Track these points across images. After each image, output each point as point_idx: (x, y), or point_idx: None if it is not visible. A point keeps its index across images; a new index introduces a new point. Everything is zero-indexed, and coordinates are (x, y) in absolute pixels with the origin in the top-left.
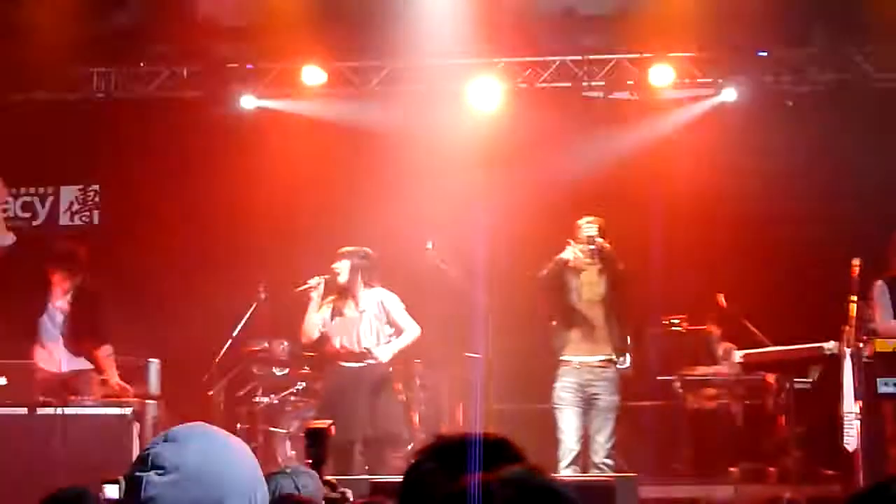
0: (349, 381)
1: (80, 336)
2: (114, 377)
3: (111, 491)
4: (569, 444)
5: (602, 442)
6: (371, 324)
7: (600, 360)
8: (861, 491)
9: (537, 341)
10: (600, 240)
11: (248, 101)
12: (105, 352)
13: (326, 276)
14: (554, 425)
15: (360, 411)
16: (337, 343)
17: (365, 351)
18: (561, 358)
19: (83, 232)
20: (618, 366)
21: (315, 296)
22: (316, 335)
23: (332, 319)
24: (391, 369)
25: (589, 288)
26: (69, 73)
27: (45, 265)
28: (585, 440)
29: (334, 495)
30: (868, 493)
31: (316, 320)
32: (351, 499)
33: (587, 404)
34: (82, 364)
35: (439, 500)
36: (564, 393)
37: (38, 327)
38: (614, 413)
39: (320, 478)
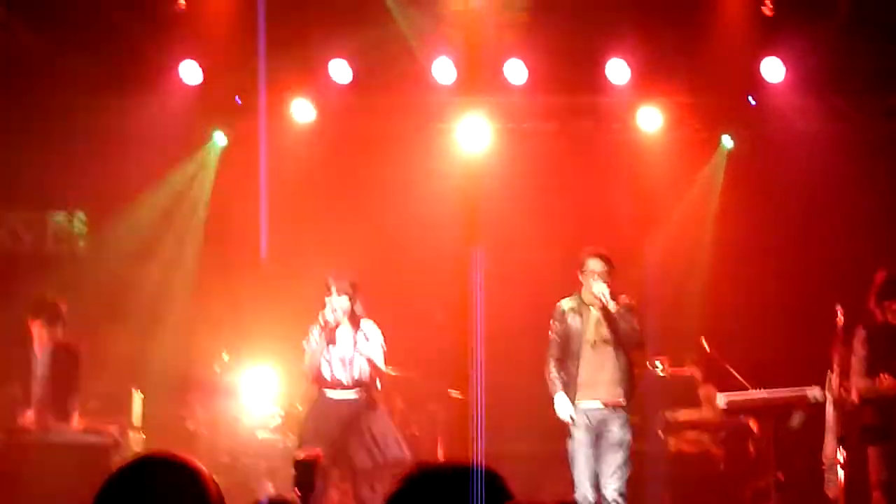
0: (342, 412)
1: (60, 399)
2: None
3: None
4: (584, 491)
5: (614, 478)
6: (361, 354)
7: (615, 401)
8: None
9: (526, 382)
10: (605, 293)
11: (221, 138)
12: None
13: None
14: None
15: (356, 442)
16: (327, 374)
17: (358, 381)
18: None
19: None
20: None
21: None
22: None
23: (326, 350)
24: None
25: (597, 328)
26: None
27: (26, 315)
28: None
29: None
30: None
31: (320, 355)
32: None
33: (599, 439)
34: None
35: None
36: (577, 433)
37: (29, 372)
38: (627, 449)
39: None
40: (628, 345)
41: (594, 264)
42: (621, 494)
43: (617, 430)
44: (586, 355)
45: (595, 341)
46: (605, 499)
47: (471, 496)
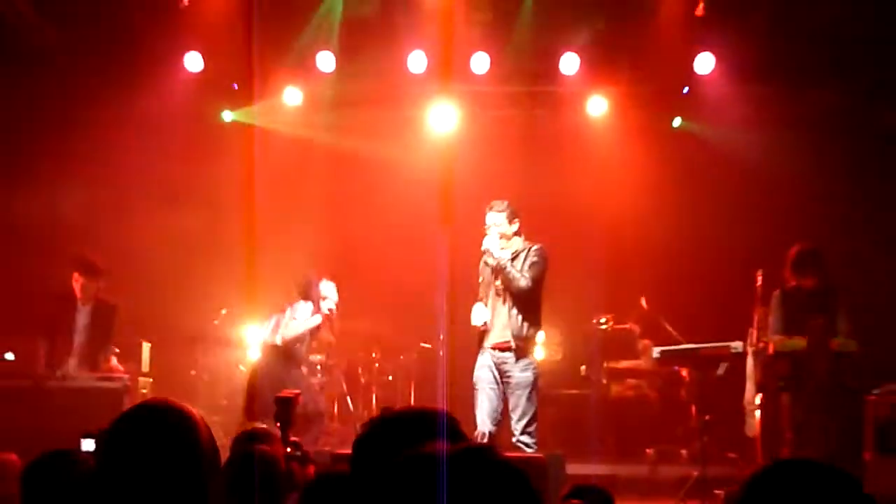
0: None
1: (96, 347)
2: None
3: (87, 444)
4: (481, 426)
5: (515, 419)
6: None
7: (505, 343)
8: (759, 470)
9: None
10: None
11: (228, 116)
12: (110, 351)
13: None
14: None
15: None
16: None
17: None
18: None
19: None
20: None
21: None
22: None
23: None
24: None
25: (493, 277)
26: None
27: (71, 269)
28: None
29: (298, 454)
30: (765, 471)
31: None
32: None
33: (503, 383)
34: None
35: (393, 465)
36: (481, 373)
37: (73, 322)
38: (526, 390)
39: (287, 439)
40: (516, 293)
41: (487, 218)
42: (527, 433)
43: (517, 373)
44: (489, 302)
45: (493, 289)
46: (513, 440)
47: (426, 437)
